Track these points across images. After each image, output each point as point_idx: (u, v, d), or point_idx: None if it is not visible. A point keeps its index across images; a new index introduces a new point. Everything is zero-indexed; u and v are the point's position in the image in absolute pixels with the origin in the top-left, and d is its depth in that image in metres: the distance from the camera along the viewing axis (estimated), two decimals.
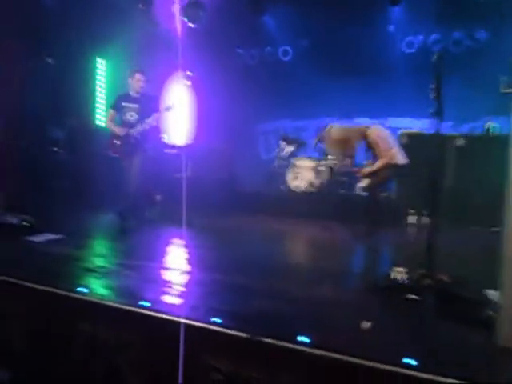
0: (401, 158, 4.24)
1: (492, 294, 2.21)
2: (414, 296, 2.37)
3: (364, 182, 4.88)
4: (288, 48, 7.91)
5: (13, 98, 5.49)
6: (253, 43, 8.09)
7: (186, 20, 7.14)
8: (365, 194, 6.28)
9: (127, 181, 4.48)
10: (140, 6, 6.66)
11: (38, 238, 3.79)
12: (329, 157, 6.61)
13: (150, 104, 4.51)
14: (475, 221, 5.00)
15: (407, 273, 2.62)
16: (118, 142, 4.50)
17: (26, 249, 3.53)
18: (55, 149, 5.79)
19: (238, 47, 8.25)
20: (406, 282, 2.53)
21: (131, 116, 4.49)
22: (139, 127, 4.43)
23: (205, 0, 6.94)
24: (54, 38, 5.58)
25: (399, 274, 2.60)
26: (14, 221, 4.01)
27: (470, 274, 2.83)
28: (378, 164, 4.22)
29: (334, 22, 6.67)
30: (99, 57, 7.39)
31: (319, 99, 7.26)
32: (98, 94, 7.44)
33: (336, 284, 2.88)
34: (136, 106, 4.50)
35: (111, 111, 4.64)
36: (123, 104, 4.52)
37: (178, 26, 7.40)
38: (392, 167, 4.22)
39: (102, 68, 7.54)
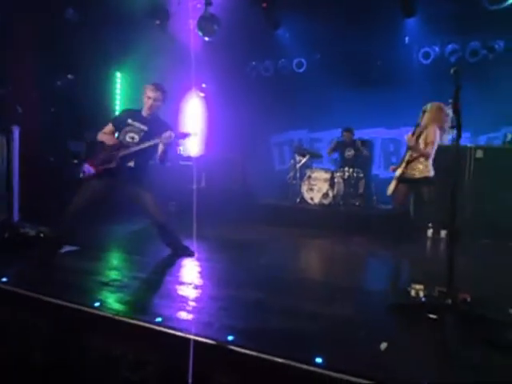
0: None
1: None
2: (433, 315, 2.29)
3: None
4: (302, 60, 7.92)
5: (38, 113, 5.65)
6: (267, 55, 8.13)
7: (200, 34, 7.27)
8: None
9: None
10: (157, 21, 6.81)
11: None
12: (345, 168, 6.56)
13: (159, 129, 3.52)
14: (498, 235, 4.85)
15: (426, 290, 2.54)
16: (101, 156, 3.60)
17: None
18: (75, 161, 5.90)
19: (253, 59, 8.31)
20: (425, 299, 2.45)
21: (132, 139, 3.57)
22: (132, 149, 3.50)
23: (219, 14, 7.05)
24: (74, 54, 5.73)
25: (418, 291, 2.53)
26: (32, 232, 4.06)
27: (494, 291, 2.72)
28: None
29: (349, 34, 6.66)
30: (118, 71, 7.59)
31: (334, 110, 7.24)
32: (116, 107, 7.64)
33: (352, 301, 2.81)
34: (144, 127, 3.59)
35: (110, 126, 3.71)
36: (129, 121, 3.61)
37: (193, 40, 7.54)
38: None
39: (120, 82, 7.75)
